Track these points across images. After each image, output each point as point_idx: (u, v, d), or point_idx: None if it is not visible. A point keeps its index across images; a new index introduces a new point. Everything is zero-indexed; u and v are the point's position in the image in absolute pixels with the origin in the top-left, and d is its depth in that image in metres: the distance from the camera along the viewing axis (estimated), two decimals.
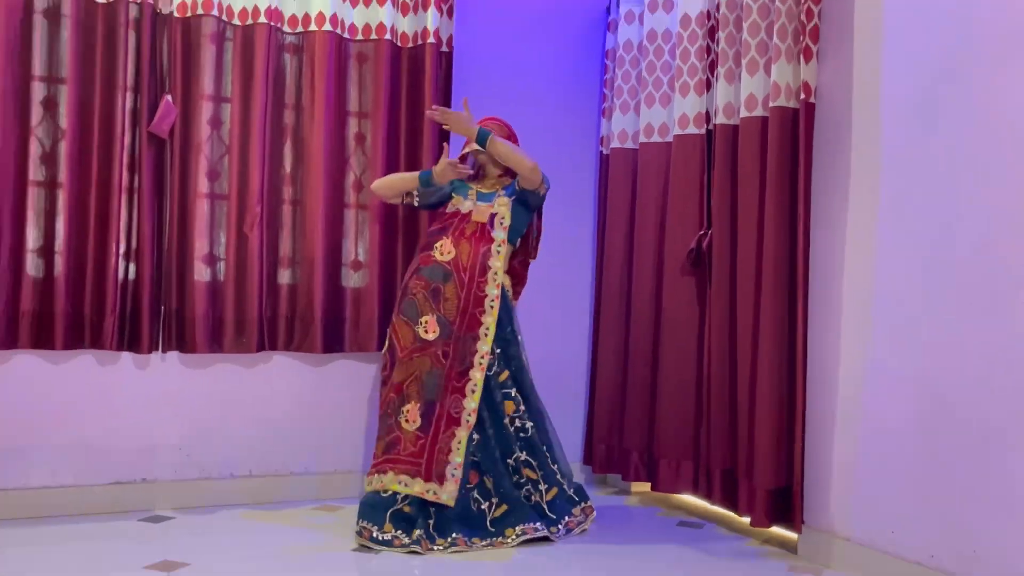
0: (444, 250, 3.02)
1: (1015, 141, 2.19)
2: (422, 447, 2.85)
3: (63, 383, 3.04)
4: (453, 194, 3.15)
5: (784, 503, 2.83)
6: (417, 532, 2.75)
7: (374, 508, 2.79)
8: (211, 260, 3.21)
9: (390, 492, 2.81)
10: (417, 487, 2.80)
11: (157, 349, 3.14)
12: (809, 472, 2.76)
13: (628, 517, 3.27)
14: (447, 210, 3.14)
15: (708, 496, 3.17)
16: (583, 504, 3.05)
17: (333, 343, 3.35)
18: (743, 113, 2.95)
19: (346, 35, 3.39)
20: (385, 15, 3.41)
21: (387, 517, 2.78)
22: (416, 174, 3.17)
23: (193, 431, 3.22)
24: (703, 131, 3.24)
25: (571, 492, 3.04)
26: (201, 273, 3.18)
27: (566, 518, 2.97)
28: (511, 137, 3.21)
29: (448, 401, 2.89)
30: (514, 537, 2.83)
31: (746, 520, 2.94)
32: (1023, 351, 2.14)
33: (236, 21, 3.24)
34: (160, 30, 3.13)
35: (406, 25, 3.47)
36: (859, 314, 2.62)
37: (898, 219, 2.51)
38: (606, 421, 3.63)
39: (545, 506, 2.96)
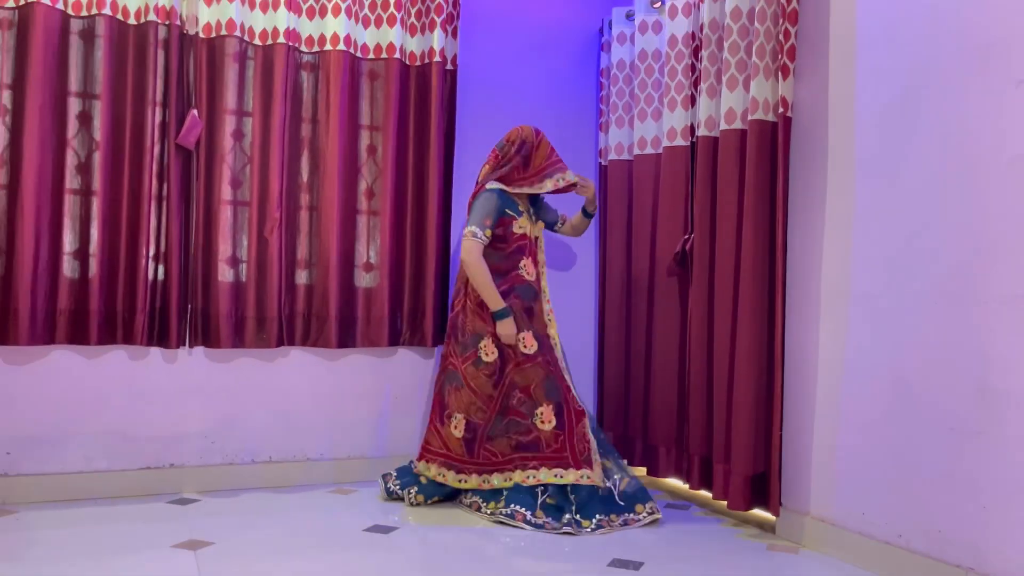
0: (528, 270, 3.09)
1: (979, 153, 2.20)
2: (562, 443, 2.93)
3: (97, 375, 3.05)
4: (508, 212, 3.07)
5: (761, 487, 2.83)
6: (566, 517, 2.80)
7: (522, 494, 2.88)
8: (234, 262, 3.21)
9: (537, 484, 2.89)
10: (571, 476, 2.88)
11: (184, 344, 3.15)
12: (787, 458, 2.77)
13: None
14: (514, 231, 3.09)
15: (688, 480, 3.18)
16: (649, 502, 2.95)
17: (346, 339, 3.36)
18: (723, 126, 2.95)
19: (359, 54, 3.39)
20: (394, 35, 3.41)
21: (537, 505, 2.85)
22: (497, 303, 2.98)
23: (217, 420, 3.22)
24: (688, 143, 3.25)
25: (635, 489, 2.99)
26: (225, 274, 3.18)
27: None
28: (526, 143, 3.16)
29: (569, 399, 2.99)
30: (645, 514, 2.88)
31: (724, 503, 2.94)
32: (983, 346, 2.15)
33: (257, 41, 3.24)
34: (187, 50, 3.14)
35: (414, 45, 3.48)
36: (835, 312, 2.62)
37: (871, 224, 2.51)
38: (613, 410, 3.64)
39: (617, 495, 2.93)
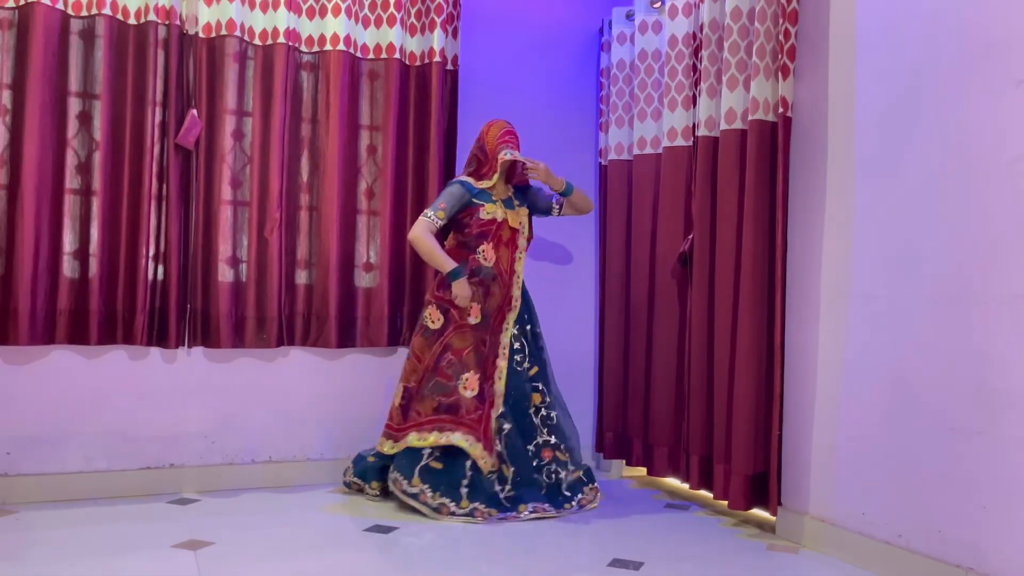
0: (487, 255, 3.10)
1: (979, 153, 2.20)
2: (479, 417, 2.98)
3: (97, 375, 3.05)
4: (475, 201, 3.11)
5: (761, 487, 2.83)
6: (440, 497, 2.88)
7: (409, 460, 2.95)
8: (234, 262, 3.21)
9: (443, 451, 2.94)
10: (476, 451, 2.93)
11: (184, 344, 3.15)
12: (787, 458, 2.77)
13: (622, 499, 3.26)
14: (482, 216, 3.10)
15: (687, 480, 3.18)
16: (592, 485, 3.12)
17: (346, 339, 3.36)
18: (723, 126, 2.95)
19: (358, 54, 3.39)
20: (394, 35, 3.41)
21: (416, 471, 2.92)
22: (446, 265, 3.03)
23: (217, 420, 3.22)
24: (689, 143, 3.25)
25: (582, 474, 3.12)
26: (224, 274, 3.18)
27: (579, 496, 3.06)
28: (481, 133, 3.23)
29: (487, 386, 3.05)
30: (526, 513, 2.94)
31: (726, 503, 2.94)
32: (983, 346, 2.15)
33: (257, 41, 3.24)
34: (187, 50, 3.14)
35: (414, 45, 3.48)
36: (835, 312, 2.62)
37: (871, 224, 2.51)
38: (612, 411, 3.64)
39: (565, 485, 3.05)
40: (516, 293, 3.17)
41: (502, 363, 3.10)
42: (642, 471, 3.64)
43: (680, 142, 3.26)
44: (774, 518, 2.81)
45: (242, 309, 3.20)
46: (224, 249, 3.18)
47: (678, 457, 3.27)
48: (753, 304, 2.81)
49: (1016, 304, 2.07)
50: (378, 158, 3.43)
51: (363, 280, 3.42)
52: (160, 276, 3.08)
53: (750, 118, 2.83)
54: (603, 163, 3.78)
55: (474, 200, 3.12)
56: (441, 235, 3.17)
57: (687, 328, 3.20)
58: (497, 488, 2.97)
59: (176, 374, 3.16)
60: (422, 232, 3.05)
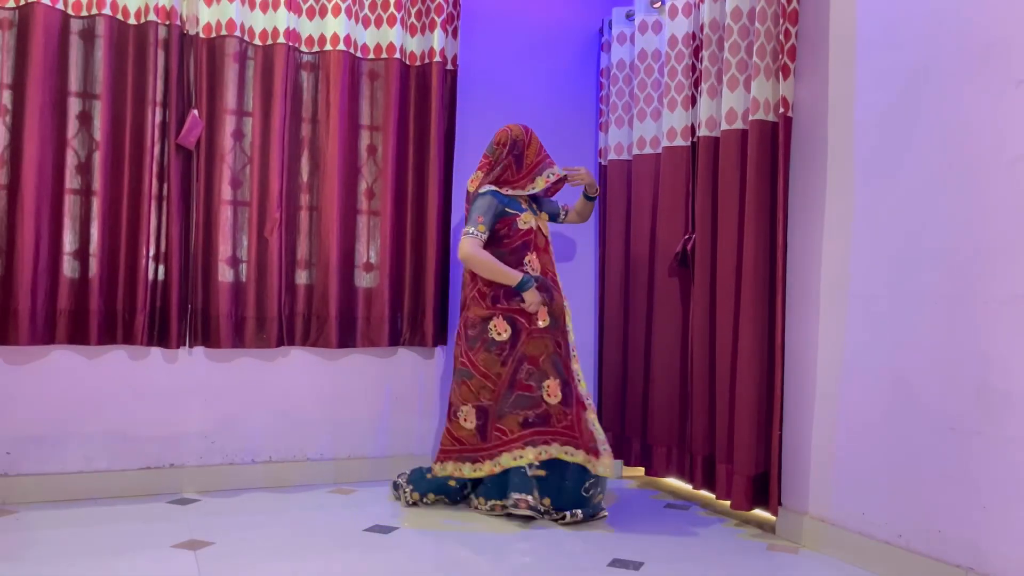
0: (533, 264, 3.06)
1: (979, 153, 2.20)
2: (571, 421, 2.92)
3: (97, 376, 3.05)
4: (508, 211, 3.03)
5: (762, 487, 2.83)
6: (548, 501, 2.86)
7: (523, 479, 2.88)
8: (234, 262, 3.21)
9: (534, 464, 2.87)
10: (580, 457, 2.89)
11: (184, 344, 3.15)
12: (787, 458, 2.77)
13: (622, 499, 3.26)
14: (520, 227, 3.04)
15: (691, 480, 3.18)
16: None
17: (347, 339, 3.36)
18: (724, 126, 2.95)
19: (359, 54, 3.39)
20: (395, 35, 3.41)
21: (534, 487, 2.88)
22: (513, 276, 2.94)
23: (217, 420, 3.22)
24: (689, 143, 3.25)
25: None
26: (225, 274, 3.18)
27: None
28: (518, 141, 3.13)
29: (573, 383, 2.99)
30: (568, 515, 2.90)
31: (726, 503, 2.94)
32: (983, 346, 2.15)
33: (257, 41, 3.24)
34: (187, 50, 3.14)
35: (414, 45, 3.48)
36: (835, 312, 2.62)
37: (871, 224, 2.51)
38: (611, 411, 3.64)
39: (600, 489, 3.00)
40: (562, 297, 3.12)
41: (576, 366, 3.04)
42: (641, 471, 3.64)
43: (679, 142, 3.26)
44: (774, 518, 2.81)
45: (242, 309, 3.20)
46: (224, 249, 3.18)
47: (680, 457, 3.27)
48: (754, 304, 2.81)
49: (1016, 304, 2.07)
50: (378, 158, 3.43)
51: (363, 280, 3.42)
52: (160, 276, 3.08)
53: (751, 118, 2.83)
54: (603, 163, 3.78)
55: (507, 210, 3.03)
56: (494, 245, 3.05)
57: (688, 328, 3.20)
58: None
59: (176, 374, 3.16)
60: (474, 250, 2.94)
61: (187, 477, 3.15)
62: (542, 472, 2.87)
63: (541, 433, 2.89)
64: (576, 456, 2.88)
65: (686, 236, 3.21)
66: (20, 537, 2.53)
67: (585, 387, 3.05)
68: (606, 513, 2.95)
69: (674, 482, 3.42)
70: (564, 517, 2.85)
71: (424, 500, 3.04)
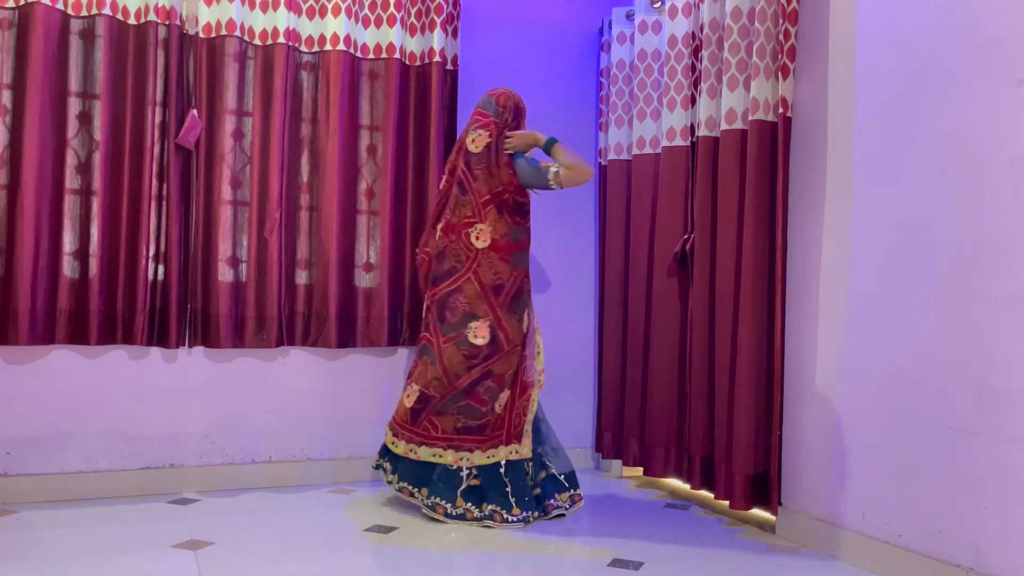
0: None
1: (979, 153, 2.20)
2: (501, 420, 2.91)
3: (97, 376, 3.05)
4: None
5: (762, 486, 2.83)
6: (489, 507, 2.81)
7: (443, 484, 2.85)
8: (234, 262, 3.21)
9: (459, 467, 2.86)
10: (502, 453, 2.88)
11: (184, 344, 3.15)
12: (787, 458, 2.76)
13: (622, 499, 3.26)
14: (529, 202, 3.04)
15: (689, 480, 3.18)
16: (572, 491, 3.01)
17: (346, 338, 3.36)
18: (724, 126, 2.95)
19: (358, 54, 3.39)
20: (394, 35, 3.41)
21: (458, 493, 2.83)
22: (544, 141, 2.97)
23: (217, 420, 3.22)
24: (688, 143, 3.24)
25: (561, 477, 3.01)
26: (224, 274, 3.18)
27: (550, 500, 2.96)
28: (521, 109, 3.12)
29: (520, 369, 2.96)
30: (565, 503, 2.95)
31: (726, 503, 2.94)
32: (983, 346, 2.15)
33: (257, 41, 3.24)
34: (187, 50, 3.14)
35: (414, 45, 3.48)
36: (835, 312, 2.62)
37: (870, 223, 2.51)
38: (610, 411, 3.64)
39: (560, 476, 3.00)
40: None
41: (538, 338, 3.02)
42: (640, 471, 3.63)
43: (679, 142, 3.26)
44: (774, 518, 2.81)
45: (242, 309, 3.20)
46: (224, 249, 3.18)
47: (679, 457, 3.26)
48: (753, 304, 2.81)
49: (1016, 304, 2.07)
50: (378, 158, 3.43)
51: (363, 280, 3.42)
52: (160, 276, 3.08)
53: (750, 118, 2.83)
54: (603, 163, 3.78)
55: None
56: (510, 216, 2.96)
57: (687, 328, 3.19)
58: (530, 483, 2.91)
59: (176, 374, 3.16)
60: (569, 163, 2.91)
61: (187, 477, 3.15)
62: (476, 482, 2.85)
63: (468, 441, 2.88)
64: (498, 454, 2.87)
65: (685, 236, 3.21)
66: (20, 537, 2.53)
67: (542, 360, 3.01)
68: (568, 507, 2.94)
69: (673, 482, 3.42)
70: (527, 518, 2.82)
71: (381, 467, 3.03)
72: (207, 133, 3.15)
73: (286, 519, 2.83)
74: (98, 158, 2.99)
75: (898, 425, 2.38)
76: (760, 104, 2.80)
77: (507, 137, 3.02)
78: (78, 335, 2.96)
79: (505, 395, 2.93)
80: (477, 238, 2.93)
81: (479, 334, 2.89)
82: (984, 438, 2.14)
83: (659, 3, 3.45)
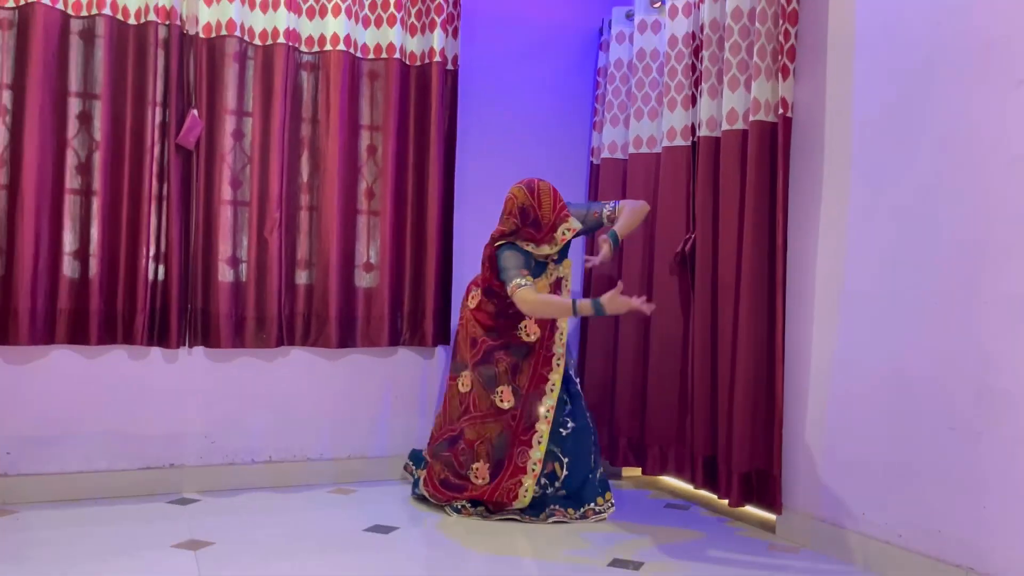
0: (530, 330, 3.01)
1: (979, 153, 2.20)
2: (483, 492, 2.92)
3: (97, 376, 3.05)
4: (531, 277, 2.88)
5: (763, 486, 2.83)
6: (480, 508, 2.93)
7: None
8: (234, 262, 3.21)
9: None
10: (480, 510, 2.94)
11: (184, 344, 3.14)
12: (788, 457, 2.76)
13: (621, 499, 3.26)
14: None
15: (692, 480, 3.17)
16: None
17: (346, 338, 3.36)
18: (724, 126, 2.95)
19: (359, 54, 3.39)
20: (395, 36, 3.41)
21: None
22: (577, 305, 2.72)
23: (217, 420, 3.22)
24: (689, 143, 3.24)
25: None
26: (225, 274, 3.18)
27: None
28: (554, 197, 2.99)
29: (515, 453, 2.92)
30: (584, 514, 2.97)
31: (726, 502, 2.94)
32: (983, 346, 2.15)
33: (257, 41, 3.24)
34: (187, 50, 3.13)
35: (414, 45, 3.48)
36: (835, 312, 2.62)
37: (867, 224, 2.51)
38: (597, 412, 3.61)
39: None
40: (559, 351, 3.00)
41: (543, 427, 2.90)
42: (637, 471, 3.62)
43: (680, 142, 3.25)
44: (774, 518, 2.81)
45: (242, 309, 3.20)
46: (224, 249, 3.18)
47: (680, 456, 3.24)
48: (754, 304, 2.81)
49: (1016, 304, 2.07)
50: (378, 158, 3.43)
51: (363, 280, 3.42)
52: (160, 276, 3.07)
53: (751, 119, 2.83)
54: (595, 162, 3.77)
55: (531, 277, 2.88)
56: (492, 302, 3.01)
57: (688, 328, 3.19)
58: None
59: (176, 374, 3.16)
60: (531, 295, 2.75)
61: (187, 477, 3.15)
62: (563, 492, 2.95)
63: (454, 498, 2.95)
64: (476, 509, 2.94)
65: (686, 236, 3.20)
66: (20, 537, 2.53)
67: (543, 451, 2.88)
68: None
69: (673, 481, 3.42)
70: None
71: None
72: (207, 133, 3.15)
73: (286, 519, 2.83)
74: (98, 158, 2.99)
75: (898, 425, 2.38)
76: (761, 104, 2.80)
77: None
78: (78, 335, 2.96)
79: (478, 467, 2.93)
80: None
81: (464, 383, 3.09)
82: (984, 438, 2.14)
83: (659, 3, 3.45)
